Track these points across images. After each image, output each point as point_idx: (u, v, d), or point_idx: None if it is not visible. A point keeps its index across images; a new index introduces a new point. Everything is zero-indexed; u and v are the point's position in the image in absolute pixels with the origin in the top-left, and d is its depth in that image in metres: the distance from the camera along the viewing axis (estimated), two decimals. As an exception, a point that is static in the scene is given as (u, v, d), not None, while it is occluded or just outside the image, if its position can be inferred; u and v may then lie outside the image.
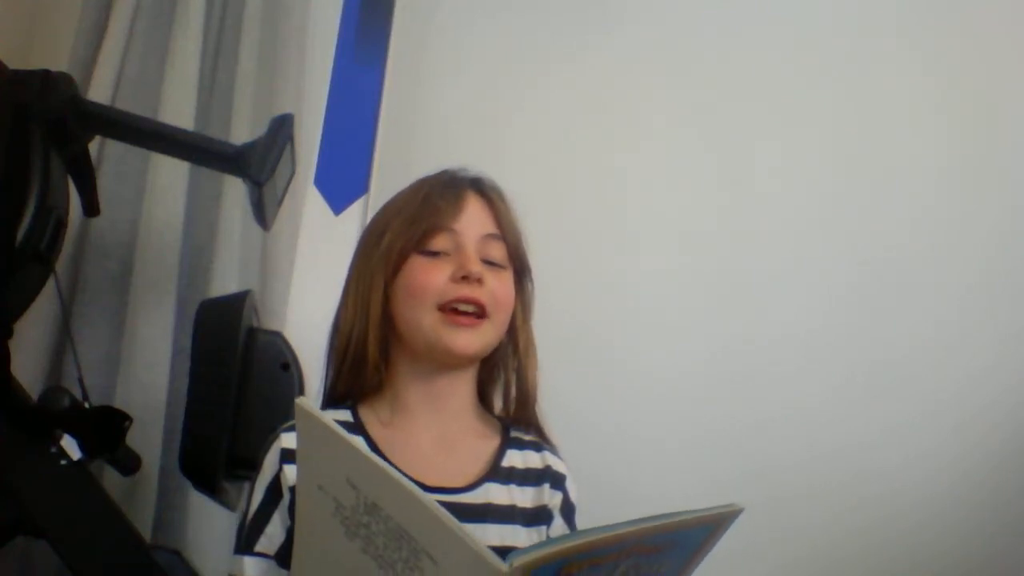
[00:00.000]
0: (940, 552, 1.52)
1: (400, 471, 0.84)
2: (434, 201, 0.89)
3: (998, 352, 1.56)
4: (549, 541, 0.60)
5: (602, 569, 0.61)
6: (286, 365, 1.19)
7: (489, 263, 0.89)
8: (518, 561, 0.56)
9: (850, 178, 1.64)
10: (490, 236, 0.90)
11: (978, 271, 1.60)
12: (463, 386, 0.92)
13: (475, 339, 0.87)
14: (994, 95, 1.64)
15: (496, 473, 0.89)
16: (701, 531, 0.66)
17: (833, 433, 1.56)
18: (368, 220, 0.98)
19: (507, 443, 0.92)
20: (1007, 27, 1.65)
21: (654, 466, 1.55)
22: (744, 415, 1.58)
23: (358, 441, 0.63)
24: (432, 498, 0.59)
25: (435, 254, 0.88)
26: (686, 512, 0.63)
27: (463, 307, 0.86)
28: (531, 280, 0.96)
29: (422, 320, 0.87)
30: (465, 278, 0.86)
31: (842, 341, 1.59)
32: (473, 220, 0.89)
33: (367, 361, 0.89)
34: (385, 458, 0.86)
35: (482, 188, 0.92)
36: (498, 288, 0.89)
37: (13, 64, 1.15)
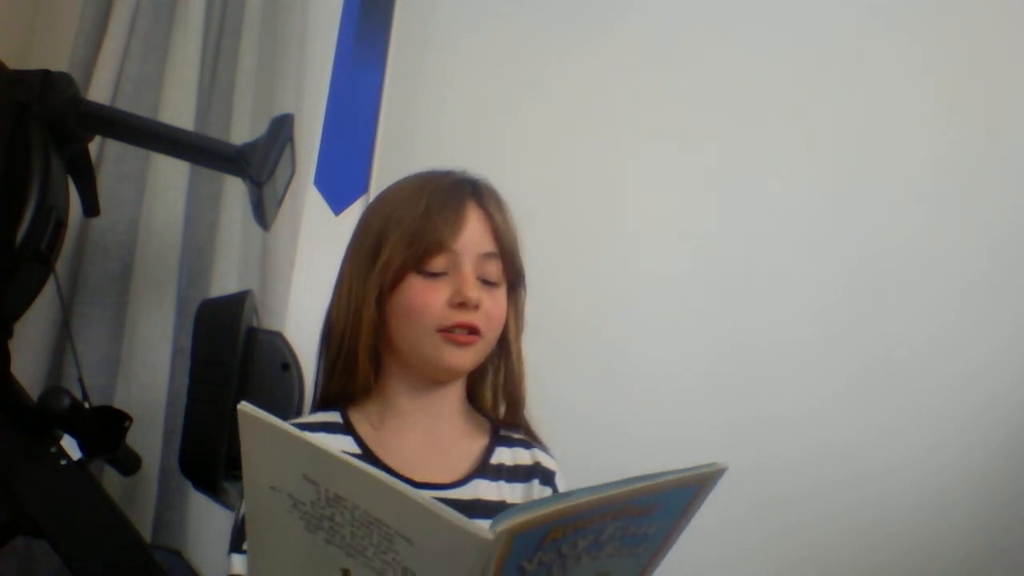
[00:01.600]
0: (940, 551, 1.52)
1: (388, 469, 0.85)
2: (434, 216, 0.87)
3: (998, 351, 1.56)
4: (533, 504, 0.58)
5: (588, 532, 0.60)
6: (286, 365, 1.19)
7: (485, 281, 0.89)
8: (502, 526, 0.55)
9: (850, 177, 1.65)
10: (488, 255, 0.90)
11: (978, 271, 1.60)
12: (453, 392, 0.93)
13: (469, 357, 0.89)
14: (994, 94, 1.64)
15: (485, 470, 0.90)
16: (685, 492, 0.66)
17: (833, 433, 1.56)
18: (363, 210, 0.96)
19: (496, 441, 0.93)
20: (1007, 25, 1.65)
21: (654, 464, 1.54)
22: (744, 414, 1.58)
23: (312, 436, 0.61)
24: (402, 483, 0.58)
25: (434, 275, 0.88)
26: (669, 472, 0.63)
27: (459, 330, 0.87)
28: (524, 288, 0.96)
29: (419, 341, 0.87)
30: (463, 304, 0.86)
31: (842, 340, 1.60)
32: (472, 238, 0.89)
33: (358, 369, 0.89)
34: (375, 457, 0.87)
35: (482, 200, 0.91)
36: (492, 308, 0.89)
37: (13, 64, 1.15)
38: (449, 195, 0.90)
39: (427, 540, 0.57)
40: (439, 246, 0.87)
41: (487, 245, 0.90)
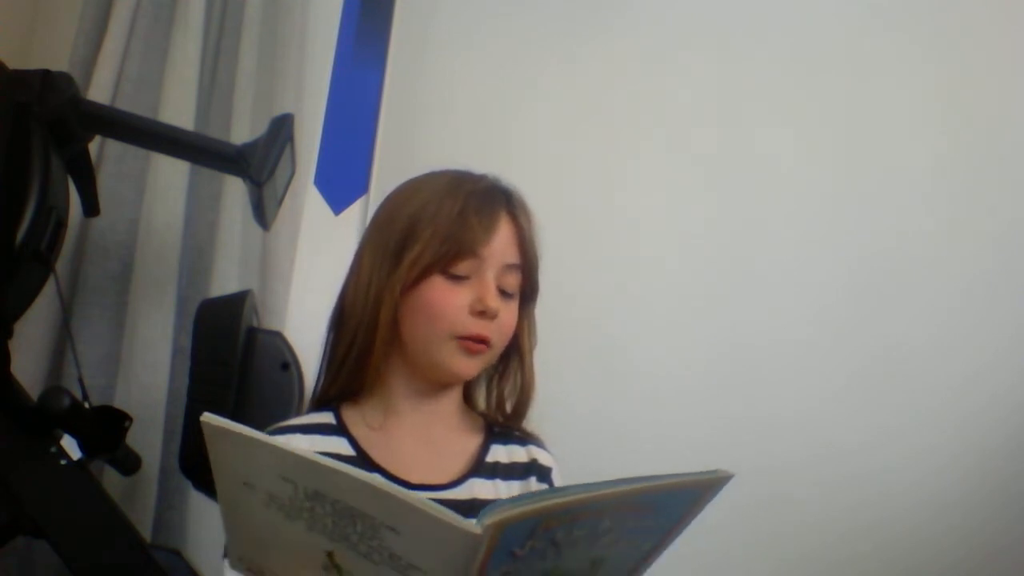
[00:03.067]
0: (940, 551, 1.52)
1: (383, 471, 0.85)
2: (469, 220, 0.87)
3: (998, 351, 1.56)
4: (525, 497, 0.58)
5: (584, 524, 0.60)
6: (286, 365, 1.19)
7: (503, 292, 0.89)
8: (489, 519, 0.55)
9: (850, 177, 1.64)
10: (511, 266, 0.89)
11: (978, 271, 1.60)
12: (453, 391, 0.93)
13: (476, 365, 0.89)
14: (994, 94, 1.64)
15: (481, 468, 0.90)
16: (687, 495, 0.66)
17: (833, 433, 1.56)
18: (387, 199, 0.94)
19: (491, 438, 0.93)
20: (1007, 25, 1.65)
21: (654, 464, 1.54)
22: (744, 414, 1.58)
23: (282, 440, 0.62)
24: (383, 480, 0.58)
25: (457, 277, 0.87)
26: (673, 475, 0.63)
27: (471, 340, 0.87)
28: (536, 303, 0.95)
29: (431, 342, 0.87)
30: (482, 313, 0.86)
31: (843, 340, 1.59)
32: (500, 248, 0.88)
33: (370, 363, 0.88)
34: (369, 459, 0.86)
35: (514, 210, 0.91)
36: (505, 319, 0.89)
37: (13, 64, 1.15)
38: (485, 200, 0.89)
39: (413, 532, 0.58)
40: (470, 250, 0.86)
41: (512, 256, 0.89)
